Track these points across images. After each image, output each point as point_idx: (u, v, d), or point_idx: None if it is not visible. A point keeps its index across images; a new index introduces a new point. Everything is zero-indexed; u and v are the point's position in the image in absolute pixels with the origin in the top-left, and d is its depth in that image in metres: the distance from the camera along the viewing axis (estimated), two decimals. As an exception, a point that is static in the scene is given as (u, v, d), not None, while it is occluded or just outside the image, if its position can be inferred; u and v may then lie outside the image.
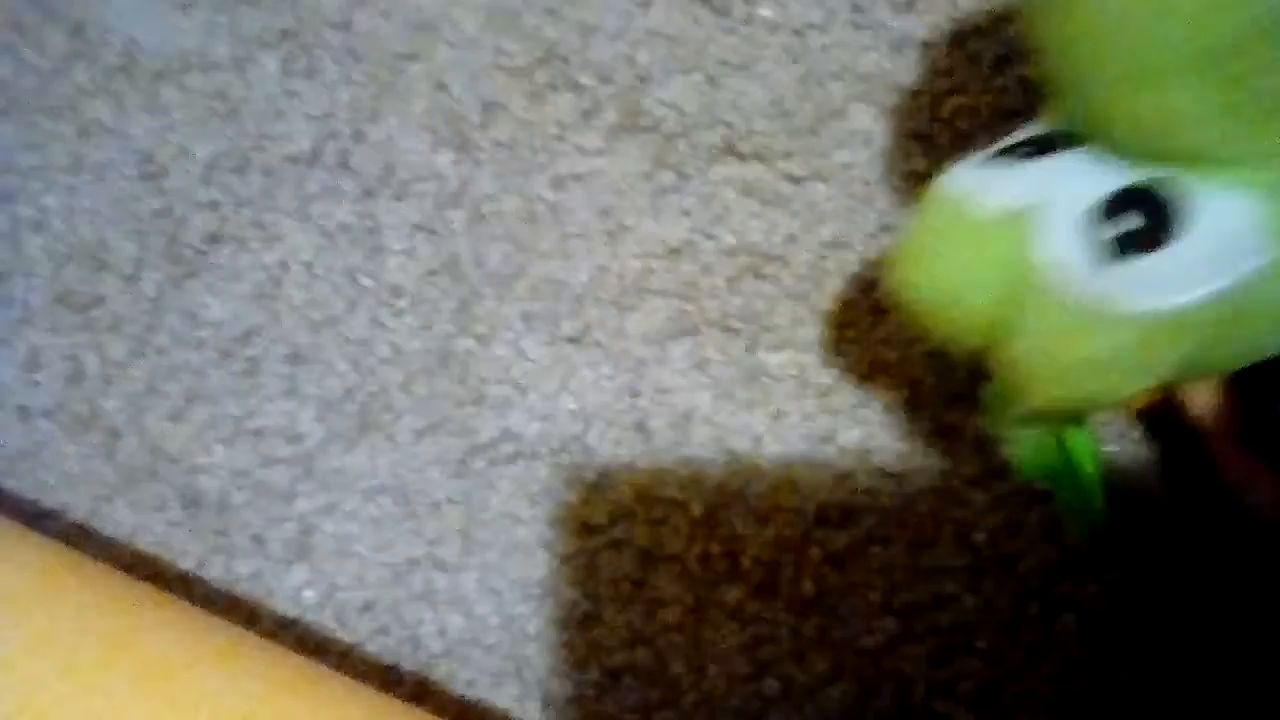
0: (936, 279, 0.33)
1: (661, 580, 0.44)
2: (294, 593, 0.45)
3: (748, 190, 0.46)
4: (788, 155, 0.46)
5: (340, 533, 0.45)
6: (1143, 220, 0.29)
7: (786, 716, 0.42)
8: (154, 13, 0.49)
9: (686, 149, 0.46)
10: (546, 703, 0.44)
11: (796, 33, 0.46)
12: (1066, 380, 0.31)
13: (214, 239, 0.47)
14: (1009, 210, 0.31)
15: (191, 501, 0.46)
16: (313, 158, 0.47)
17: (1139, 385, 0.30)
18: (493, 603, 0.45)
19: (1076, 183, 0.30)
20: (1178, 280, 0.28)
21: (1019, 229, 0.31)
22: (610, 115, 0.47)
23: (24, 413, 0.47)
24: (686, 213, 0.46)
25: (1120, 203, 0.29)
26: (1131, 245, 0.29)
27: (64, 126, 0.49)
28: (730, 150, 0.46)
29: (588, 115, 0.47)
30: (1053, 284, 0.30)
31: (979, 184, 0.32)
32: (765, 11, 0.47)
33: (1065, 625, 0.41)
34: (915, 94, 0.45)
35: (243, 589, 0.45)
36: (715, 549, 0.44)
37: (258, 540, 0.45)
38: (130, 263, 0.48)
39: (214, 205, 0.48)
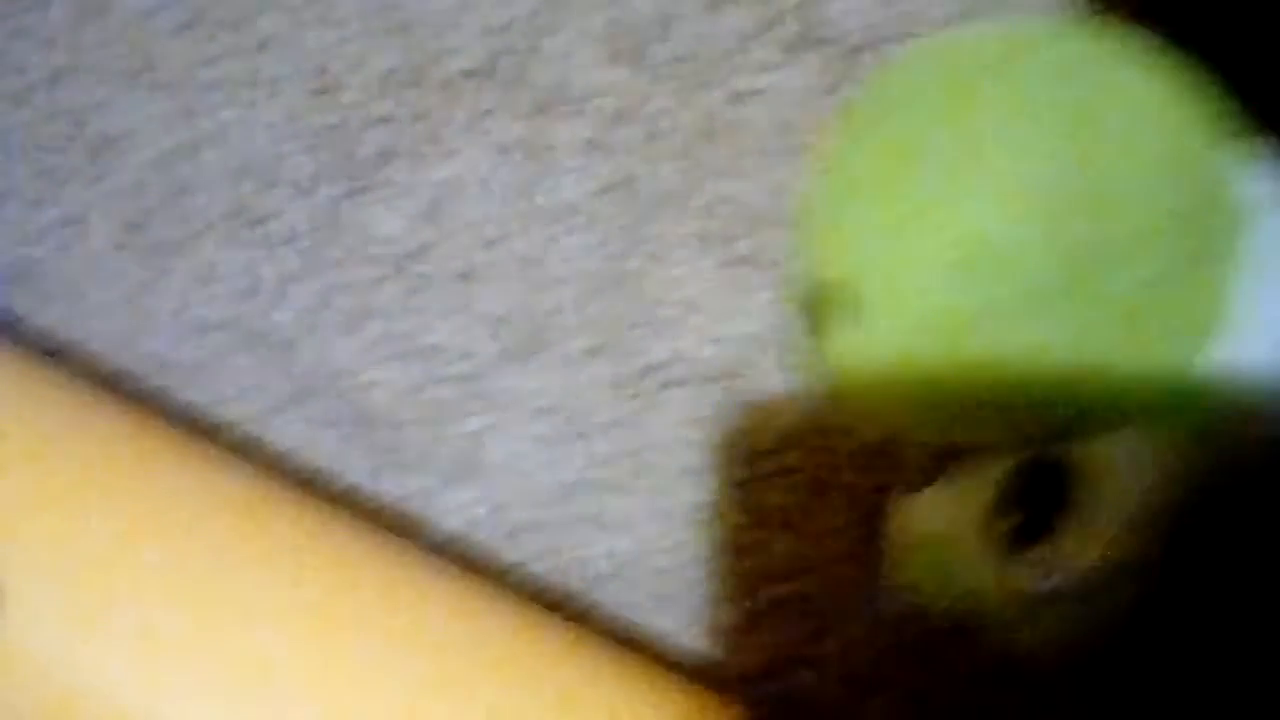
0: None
1: (830, 509, 0.43)
2: (462, 510, 0.45)
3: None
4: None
5: (510, 451, 0.45)
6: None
7: (956, 649, 0.41)
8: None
9: (870, 62, 0.45)
10: (709, 629, 0.43)
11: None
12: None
13: (387, 154, 0.47)
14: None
15: (362, 417, 0.46)
16: (487, 72, 0.47)
17: None
18: (660, 527, 0.44)
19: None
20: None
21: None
22: (791, 27, 0.45)
23: (200, 325, 0.48)
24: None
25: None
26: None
27: (242, 39, 0.49)
28: (917, 65, 0.44)
29: (767, 27, 0.45)
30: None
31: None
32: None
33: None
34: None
35: (412, 505, 0.46)
36: (887, 479, 0.42)
37: (427, 456, 0.46)
38: (305, 177, 0.48)
39: (387, 120, 0.47)
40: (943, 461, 0.35)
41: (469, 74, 0.47)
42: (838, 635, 0.42)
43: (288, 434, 0.47)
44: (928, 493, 0.35)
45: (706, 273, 0.45)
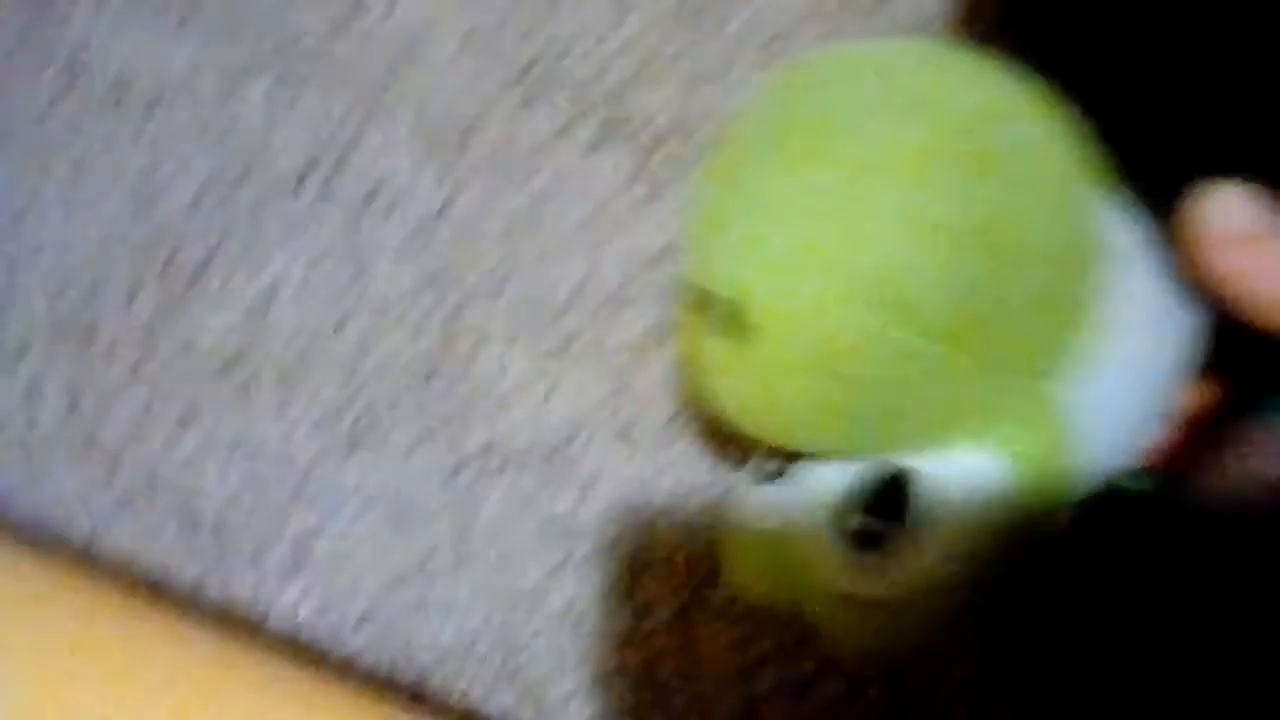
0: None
1: (650, 583, 0.44)
2: (291, 608, 0.46)
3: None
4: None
5: (334, 548, 0.46)
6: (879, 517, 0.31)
7: (777, 714, 0.42)
8: (142, 46, 0.51)
9: (665, 158, 0.47)
10: (539, 708, 0.44)
11: (765, 43, 0.47)
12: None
13: (205, 264, 0.48)
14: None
15: (189, 523, 0.47)
16: (299, 182, 0.49)
17: None
18: (485, 612, 0.45)
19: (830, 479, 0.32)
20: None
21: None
22: (589, 127, 0.48)
23: (24, 442, 0.48)
24: (667, 220, 0.47)
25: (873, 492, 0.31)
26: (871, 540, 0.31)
27: (57, 159, 0.50)
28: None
29: (567, 128, 0.48)
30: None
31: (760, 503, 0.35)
32: (737, 20, 0.48)
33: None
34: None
35: (241, 606, 0.46)
36: (701, 550, 0.44)
37: (254, 558, 0.46)
38: (124, 290, 0.48)
39: (204, 231, 0.49)
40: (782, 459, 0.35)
41: (281, 184, 0.49)
42: (663, 707, 0.43)
43: (116, 544, 0.47)
44: (769, 489, 0.34)
45: (519, 363, 0.46)
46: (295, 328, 0.47)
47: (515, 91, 0.48)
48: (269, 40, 0.50)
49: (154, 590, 0.46)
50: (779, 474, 0.34)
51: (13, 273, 0.49)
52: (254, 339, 0.48)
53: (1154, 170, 0.31)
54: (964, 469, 0.30)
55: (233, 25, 0.50)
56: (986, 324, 0.28)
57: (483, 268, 0.47)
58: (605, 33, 0.48)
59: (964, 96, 0.29)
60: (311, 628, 0.46)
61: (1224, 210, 0.29)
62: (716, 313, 0.30)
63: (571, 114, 0.48)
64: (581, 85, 0.48)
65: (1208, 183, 0.29)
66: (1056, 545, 0.33)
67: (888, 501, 0.31)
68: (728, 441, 0.44)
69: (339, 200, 0.48)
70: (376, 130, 0.49)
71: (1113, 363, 0.30)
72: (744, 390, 0.31)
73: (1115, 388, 0.31)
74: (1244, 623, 0.32)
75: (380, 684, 0.45)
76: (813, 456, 0.33)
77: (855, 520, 0.31)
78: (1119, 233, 0.31)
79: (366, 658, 0.45)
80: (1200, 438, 0.33)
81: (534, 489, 0.45)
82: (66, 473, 0.48)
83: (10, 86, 0.51)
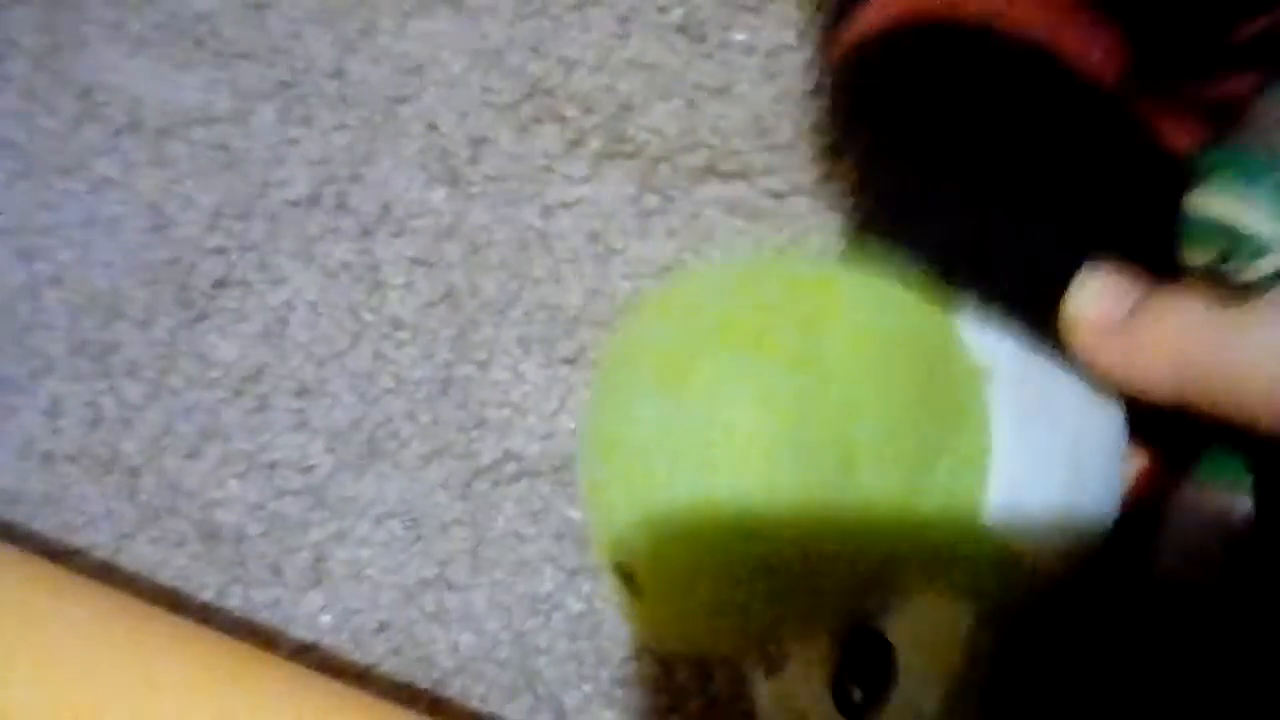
0: None
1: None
2: (311, 618, 0.47)
3: (731, 208, 0.48)
4: (768, 171, 0.48)
5: (353, 558, 0.47)
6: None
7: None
8: (157, 73, 0.52)
9: (669, 172, 0.48)
10: (558, 713, 0.45)
11: (770, 54, 0.48)
12: None
13: (221, 283, 0.49)
14: None
15: (209, 535, 0.48)
16: (312, 201, 0.50)
17: None
18: (502, 619, 0.46)
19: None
20: None
21: None
22: (595, 144, 0.48)
23: (48, 458, 0.49)
24: (673, 233, 0.48)
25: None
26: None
27: (76, 184, 0.51)
28: (712, 170, 0.48)
29: (573, 145, 0.49)
30: None
31: None
32: (739, 35, 0.49)
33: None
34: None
35: (262, 617, 0.47)
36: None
37: (274, 569, 0.47)
38: (143, 310, 0.50)
39: (220, 251, 0.50)
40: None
41: (295, 203, 0.50)
42: (679, 711, 0.44)
43: (139, 557, 0.48)
44: (775, 679, 0.34)
45: (531, 375, 0.47)
46: (311, 344, 0.48)
47: (523, 109, 0.49)
48: (281, 64, 0.51)
49: (175, 602, 0.47)
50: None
51: (35, 294, 0.50)
52: (271, 356, 0.49)
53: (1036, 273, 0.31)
54: (921, 615, 0.31)
55: (245, 50, 0.51)
56: (875, 489, 0.29)
57: (494, 282, 0.48)
58: (610, 49, 0.49)
59: (803, 304, 0.30)
60: (331, 637, 0.47)
61: (1091, 300, 0.30)
62: (617, 577, 0.31)
63: (578, 130, 0.49)
64: (587, 101, 0.49)
65: (1083, 271, 0.30)
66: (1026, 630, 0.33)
67: (875, 664, 0.31)
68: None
69: (351, 219, 0.49)
70: (387, 150, 0.50)
71: (1018, 471, 0.31)
72: (650, 628, 0.32)
73: (1040, 485, 0.31)
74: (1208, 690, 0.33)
75: (400, 692, 0.46)
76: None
77: (852, 687, 0.32)
78: (988, 350, 0.32)
79: (386, 666, 0.46)
80: (1141, 509, 0.34)
81: (549, 497, 0.46)
82: (89, 488, 0.49)
83: (30, 112, 0.52)
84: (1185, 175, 0.30)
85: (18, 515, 0.49)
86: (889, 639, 0.31)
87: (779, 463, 0.28)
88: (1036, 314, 0.31)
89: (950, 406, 0.31)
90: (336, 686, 0.44)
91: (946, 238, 0.32)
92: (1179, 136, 0.34)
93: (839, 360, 0.29)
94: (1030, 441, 0.31)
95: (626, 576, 0.30)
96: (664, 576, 0.30)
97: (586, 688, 0.45)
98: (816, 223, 0.46)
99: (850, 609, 0.31)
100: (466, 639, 0.46)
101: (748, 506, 0.28)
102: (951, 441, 0.30)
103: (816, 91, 0.47)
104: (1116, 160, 0.32)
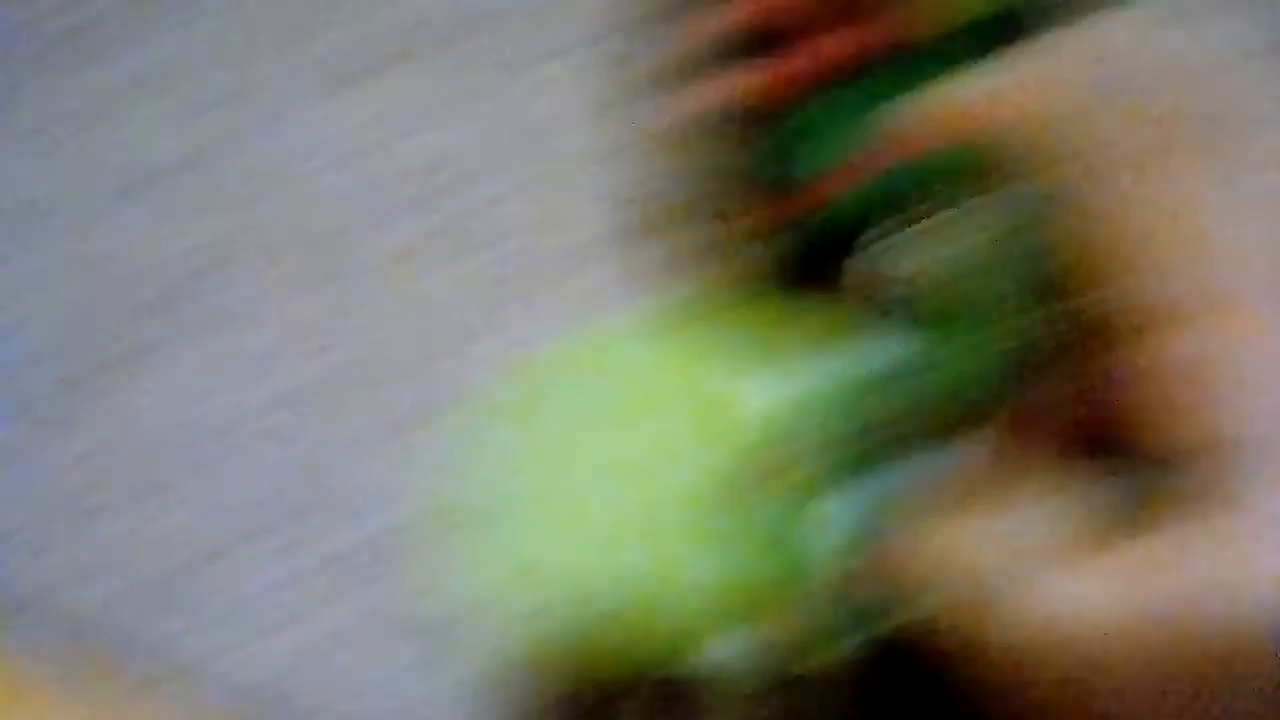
0: None
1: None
2: (166, 704, 0.46)
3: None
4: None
5: (208, 647, 0.47)
6: None
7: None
8: (12, 168, 0.53)
9: (517, 264, 0.51)
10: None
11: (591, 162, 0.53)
12: None
13: (68, 386, 0.50)
14: None
15: (68, 630, 0.47)
16: (169, 301, 0.51)
17: None
18: (382, 690, 0.47)
19: None
20: None
21: None
22: (445, 239, 0.52)
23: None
24: (529, 316, 0.51)
25: None
26: None
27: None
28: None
29: (427, 239, 0.52)
30: None
31: None
32: (570, 147, 0.53)
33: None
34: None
35: (117, 709, 0.46)
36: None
37: (126, 662, 0.47)
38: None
39: (66, 354, 0.50)
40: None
41: (154, 300, 0.51)
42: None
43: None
44: None
45: (388, 459, 0.49)
46: (163, 439, 0.49)
47: (380, 205, 0.52)
48: (140, 165, 0.53)
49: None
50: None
51: None
52: (112, 459, 0.49)
53: None
54: (725, 660, 0.33)
55: (101, 151, 0.53)
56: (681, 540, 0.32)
57: (357, 369, 0.50)
58: (455, 153, 0.53)
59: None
60: None
61: None
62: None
63: (432, 225, 0.52)
64: (439, 198, 0.52)
65: None
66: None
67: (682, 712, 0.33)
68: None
69: (210, 316, 0.51)
70: (248, 247, 0.52)
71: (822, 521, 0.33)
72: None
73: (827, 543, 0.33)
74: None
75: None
76: None
77: None
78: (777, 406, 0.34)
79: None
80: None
81: (403, 579, 0.47)
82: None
83: None
84: None
85: None
86: (702, 688, 0.33)
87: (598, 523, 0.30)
88: None
89: (764, 465, 0.33)
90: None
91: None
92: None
93: (648, 427, 0.32)
94: (846, 497, 0.33)
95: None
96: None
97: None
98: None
99: (669, 658, 0.33)
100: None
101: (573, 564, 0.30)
102: (768, 499, 0.33)
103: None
104: None
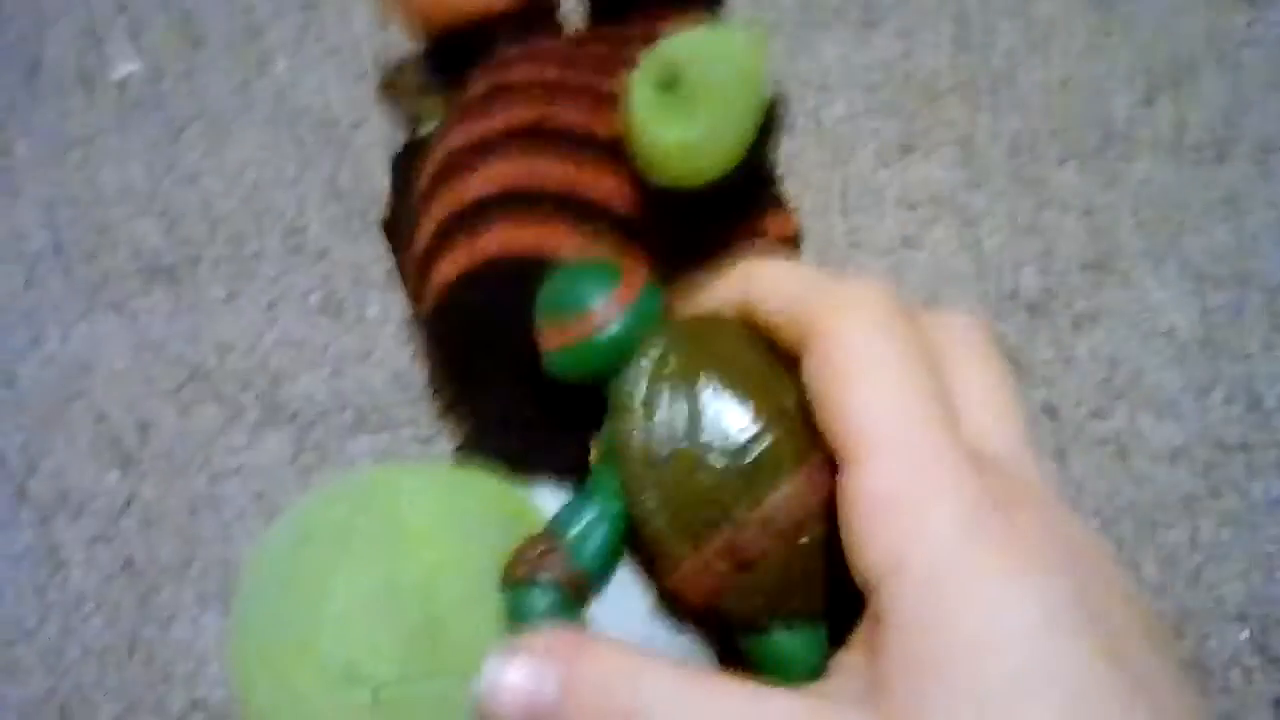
0: None
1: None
2: None
3: (382, 456, 0.55)
4: (412, 421, 0.55)
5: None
6: None
7: None
8: None
9: (323, 431, 0.55)
10: None
11: (403, 322, 0.57)
12: None
13: (-93, 585, 0.53)
14: None
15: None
16: (-8, 496, 0.54)
17: None
18: None
19: None
20: None
21: None
22: (253, 415, 0.55)
23: None
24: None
25: None
26: None
27: None
28: (362, 426, 0.55)
29: (232, 418, 0.55)
30: None
31: None
32: (373, 310, 0.57)
33: None
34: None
35: None
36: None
37: None
38: None
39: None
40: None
41: (-24, 499, 0.54)
42: None
43: None
44: None
45: (210, 626, 0.52)
46: (-1, 628, 0.52)
47: (185, 390, 0.56)
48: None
49: None
50: None
51: None
52: (-41, 645, 0.52)
53: None
54: None
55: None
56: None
57: (168, 550, 0.53)
58: (258, 334, 0.56)
59: (384, 498, 0.35)
60: None
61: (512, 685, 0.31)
62: None
63: (236, 404, 0.55)
64: (243, 378, 0.56)
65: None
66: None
67: None
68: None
69: (32, 508, 0.54)
70: (61, 440, 0.55)
71: (610, 612, 0.35)
72: None
73: (621, 628, 0.34)
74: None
75: None
76: None
77: None
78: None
79: None
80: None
81: (236, 737, 0.51)
82: None
83: None
84: None
85: None
86: None
87: (375, 627, 0.32)
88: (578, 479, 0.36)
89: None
90: None
91: (508, 445, 0.40)
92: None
93: (420, 535, 0.33)
94: (611, 592, 0.35)
95: None
96: None
97: None
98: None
99: None
100: None
101: (353, 663, 0.32)
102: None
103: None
104: None
